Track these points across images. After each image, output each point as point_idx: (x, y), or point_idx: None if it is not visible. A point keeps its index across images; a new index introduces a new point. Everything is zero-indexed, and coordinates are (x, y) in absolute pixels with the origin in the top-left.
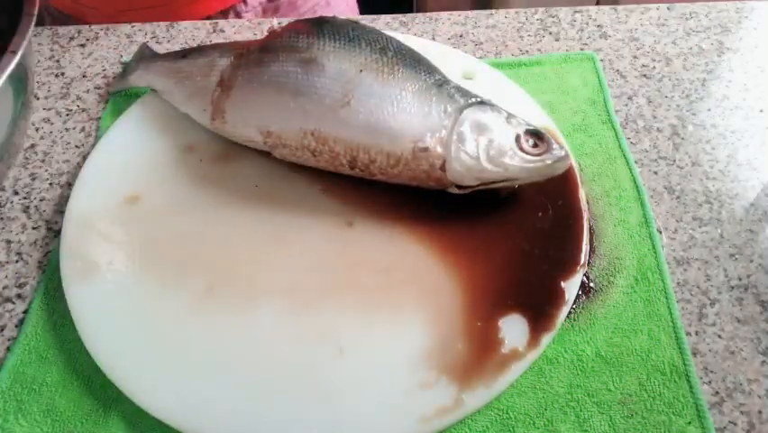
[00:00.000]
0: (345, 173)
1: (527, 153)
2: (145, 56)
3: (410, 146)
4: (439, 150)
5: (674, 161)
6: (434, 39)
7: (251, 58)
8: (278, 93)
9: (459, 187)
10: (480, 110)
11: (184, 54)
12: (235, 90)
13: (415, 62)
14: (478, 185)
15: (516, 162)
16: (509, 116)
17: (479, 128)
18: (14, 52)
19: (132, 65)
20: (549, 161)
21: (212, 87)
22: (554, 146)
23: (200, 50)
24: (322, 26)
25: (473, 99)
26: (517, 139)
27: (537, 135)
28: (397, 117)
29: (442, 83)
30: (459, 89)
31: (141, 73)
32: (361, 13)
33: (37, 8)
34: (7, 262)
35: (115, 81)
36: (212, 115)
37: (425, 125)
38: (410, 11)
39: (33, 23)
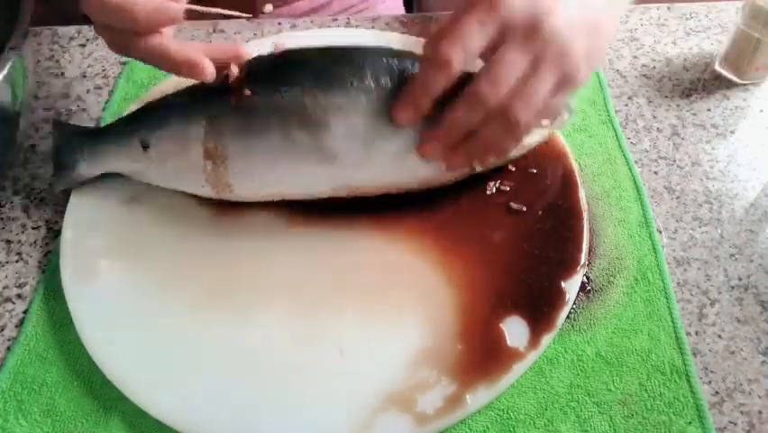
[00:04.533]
0: None
1: None
2: (77, 137)
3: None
4: None
5: (674, 161)
6: None
7: (234, 124)
8: (289, 161)
9: None
10: None
11: (134, 126)
12: (233, 162)
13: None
14: None
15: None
16: None
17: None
18: (13, 49)
19: (66, 154)
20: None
21: (199, 162)
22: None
23: (154, 118)
24: (297, 69)
25: None
26: None
27: None
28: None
29: None
30: None
31: (90, 164)
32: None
33: (34, 4)
34: (7, 262)
35: (57, 180)
36: (215, 190)
37: None
38: (410, 11)
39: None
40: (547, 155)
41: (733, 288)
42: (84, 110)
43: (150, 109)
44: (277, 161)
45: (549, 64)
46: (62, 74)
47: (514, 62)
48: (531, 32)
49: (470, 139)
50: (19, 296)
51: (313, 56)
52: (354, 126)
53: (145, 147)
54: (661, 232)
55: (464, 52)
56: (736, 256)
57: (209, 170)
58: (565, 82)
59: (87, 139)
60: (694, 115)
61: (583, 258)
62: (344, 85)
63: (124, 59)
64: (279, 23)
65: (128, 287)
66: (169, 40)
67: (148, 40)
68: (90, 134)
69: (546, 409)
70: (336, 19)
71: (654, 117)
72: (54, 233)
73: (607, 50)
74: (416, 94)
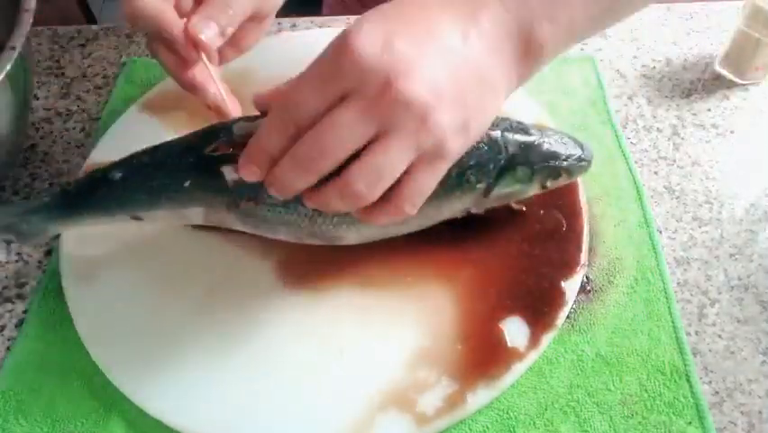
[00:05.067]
0: None
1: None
2: (44, 206)
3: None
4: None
5: (674, 161)
6: None
7: (236, 216)
8: (300, 233)
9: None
10: (503, 185)
11: (123, 204)
12: (240, 228)
13: None
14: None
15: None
16: (533, 172)
17: (507, 198)
18: (14, 48)
19: (30, 215)
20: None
21: (199, 222)
22: (575, 163)
23: (145, 200)
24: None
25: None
26: (543, 186)
27: (557, 173)
28: (441, 213)
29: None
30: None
31: (63, 223)
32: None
33: (34, 4)
34: (7, 263)
35: (23, 239)
36: (224, 236)
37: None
38: None
39: (31, 20)
40: None
41: (733, 288)
42: (84, 110)
43: (139, 178)
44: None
45: (400, 136)
46: (62, 74)
47: (347, 128)
48: (378, 97)
49: (313, 194)
50: (19, 296)
51: None
52: (370, 233)
53: (137, 219)
54: (661, 232)
55: (297, 116)
56: (736, 256)
57: (214, 223)
58: (430, 157)
59: (58, 211)
60: (694, 115)
61: (583, 258)
62: None
63: (124, 58)
64: (279, 23)
65: (128, 287)
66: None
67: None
68: (60, 206)
69: (546, 410)
70: (336, 19)
71: (654, 117)
72: None
73: (607, 50)
74: (256, 155)
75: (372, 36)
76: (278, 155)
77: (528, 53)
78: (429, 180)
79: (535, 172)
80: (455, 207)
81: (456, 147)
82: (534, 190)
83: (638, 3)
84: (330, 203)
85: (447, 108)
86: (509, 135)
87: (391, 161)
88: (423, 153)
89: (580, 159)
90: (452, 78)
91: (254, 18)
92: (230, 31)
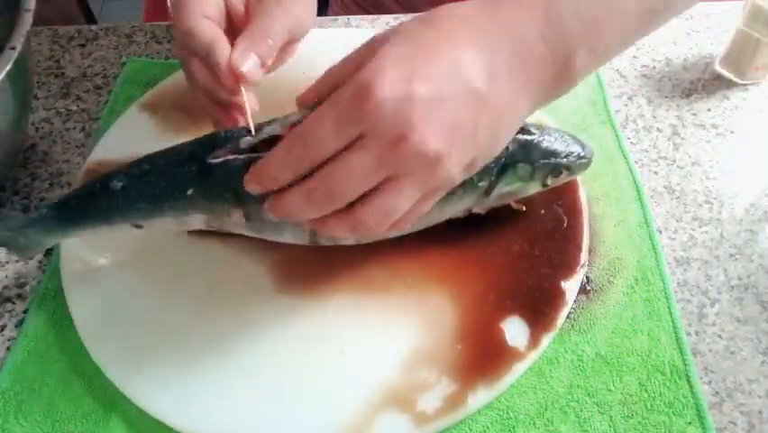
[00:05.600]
0: None
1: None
2: (41, 218)
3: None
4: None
5: (674, 161)
6: None
7: (239, 221)
8: (304, 234)
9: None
10: (505, 183)
11: (124, 213)
12: (242, 232)
13: None
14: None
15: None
16: (534, 169)
17: (509, 196)
18: (14, 48)
19: (28, 228)
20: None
21: (201, 227)
22: (575, 161)
23: (146, 208)
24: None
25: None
26: (544, 184)
27: (558, 170)
28: (443, 213)
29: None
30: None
31: (62, 234)
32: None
33: (34, 4)
34: (7, 262)
35: (21, 251)
36: (223, 238)
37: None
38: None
39: (31, 20)
40: None
41: (733, 288)
42: (84, 110)
43: (139, 187)
44: (289, 240)
45: (411, 180)
46: (62, 74)
47: (361, 173)
48: (394, 145)
49: (317, 222)
50: (19, 296)
51: None
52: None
53: (138, 227)
54: (661, 232)
55: (312, 154)
56: (736, 256)
57: (214, 229)
58: (433, 192)
59: (57, 222)
60: (694, 115)
61: (583, 258)
62: None
63: (124, 58)
64: None
65: (128, 287)
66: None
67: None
68: (59, 217)
69: (546, 410)
70: (336, 19)
71: (654, 117)
72: None
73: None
74: (264, 179)
75: (395, 81)
76: (283, 182)
77: (558, 82)
78: (427, 206)
79: (536, 170)
80: (457, 207)
81: (459, 179)
82: (535, 188)
83: (662, 21)
84: (336, 234)
85: (458, 152)
86: None
87: (402, 201)
88: (426, 191)
89: (580, 156)
90: (469, 123)
91: (287, 42)
92: (270, 61)
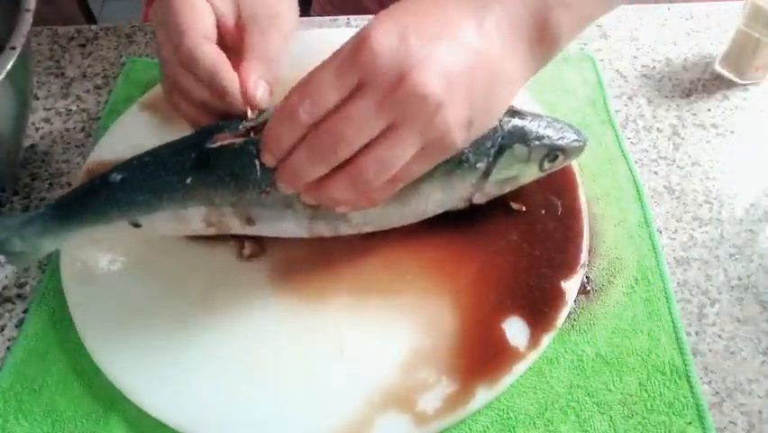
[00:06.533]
0: None
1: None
2: (39, 216)
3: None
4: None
5: (674, 160)
6: None
7: (240, 211)
8: (299, 234)
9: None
10: (502, 165)
11: (122, 209)
12: (240, 230)
13: None
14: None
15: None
16: (530, 150)
17: (507, 183)
18: (14, 48)
19: (24, 228)
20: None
21: (200, 228)
22: (571, 145)
23: (145, 202)
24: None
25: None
26: (541, 167)
27: (554, 153)
28: (444, 197)
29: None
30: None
31: (60, 234)
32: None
33: (34, 4)
34: (7, 262)
35: (17, 259)
36: (222, 239)
37: (463, 194)
38: None
39: (31, 20)
40: None
41: (733, 288)
42: (84, 110)
43: (139, 177)
44: (286, 232)
45: (410, 128)
46: (62, 74)
47: (362, 120)
48: (393, 89)
49: (320, 186)
50: (19, 296)
51: None
52: (373, 214)
53: (136, 226)
54: (661, 232)
55: (313, 107)
56: (736, 256)
57: (212, 230)
58: (432, 150)
59: (54, 221)
60: (694, 115)
61: (583, 258)
62: None
63: (124, 58)
64: None
65: (128, 287)
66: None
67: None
68: (57, 216)
69: (546, 410)
70: (336, 19)
71: (654, 117)
72: None
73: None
74: (270, 143)
75: (389, 31)
76: (289, 144)
77: (543, 42)
78: (422, 168)
79: (532, 150)
80: (457, 190)
81: (458, 142)
82: (532, 174)
83: None
84: (337, 191)
85: (455, 103)
86: (506, 117)
87: (401, 152)
88: (426, 145)
89: (574, 139)
90: (464, 75)
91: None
92: (275, 83)
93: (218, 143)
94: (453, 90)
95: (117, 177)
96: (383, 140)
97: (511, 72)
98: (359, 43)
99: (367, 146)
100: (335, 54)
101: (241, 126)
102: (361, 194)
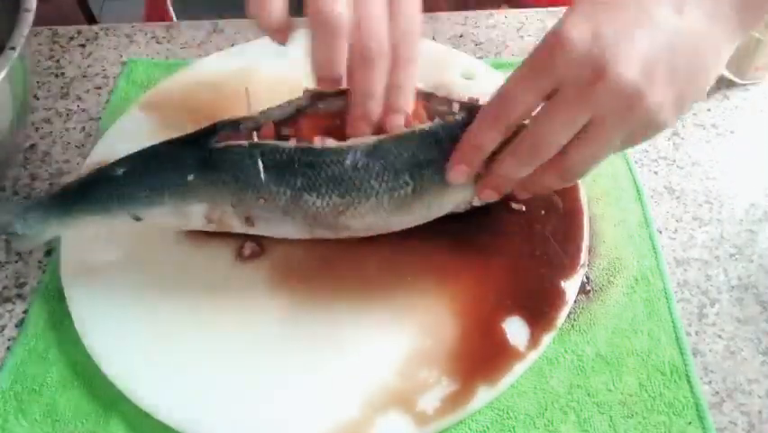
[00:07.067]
0: None
1: None
2: (40, 204)
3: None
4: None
5: (674, 160)
6: (434, 39)
7: (241, 211)
8: (301, 234)
9: None
10: None
11: (122, 201)
12: (241, 229)
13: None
14: None
15: None
16: None
17: None
18: (14, 48)
19: (28, 213)
20: None
21: (201, 223)
22: None
23: (145, 196)
24: (316, 173)
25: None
26: None
27: None
28: (444, 200)
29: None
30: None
31: (61, 221)
32: None
33: (35, 4)
34: (7, 262)
35: (20, 241)
36: (222, 238)
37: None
38: None
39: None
40: None
41: (733, 288)
42: (84, 110)
43: (141, 172)
44: (287, 234)
45: (614, 120)
46: (62, 74)
47: (563, 123)
48: (591, 85)
49: (525, 182)
50: (19, 296)
51: (333, 159)
52: (375, 222)
53: (137, 219)
54: (661, 233)
55: (514, 113)
56: (736, 256)
57: (213, 226)
58: (640, 132)
59: (56, 208)
60: (694, 115)
61: (583, 258)
62: (369, 196)
63: (124, 58)
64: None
65: (128, 287)
66: None
67: None
68: (59, 204)
69: (546, 410)
70: None
71: None
72: None
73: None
74: (469, 153)
75: (582, 27)
76: (489, 150)
77: (748, 7)
78: (629, 146)
79: None
80: (458, 196)
81: (669, 121)
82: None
83: None
84: (546, 184)
85: (660, 87)
86: None
87: (607, 143)
88: (633, 130)
89: None
90: (663, 56)
91: None
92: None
93: (223, 144)
94: (654, 74)
95: (119, 170)
96: (589, 135)
97: (716, 45)
98: (553, 41)
99: (573, 141)
100: (530, 56)
101: (242, 126)
102: (565, 184)
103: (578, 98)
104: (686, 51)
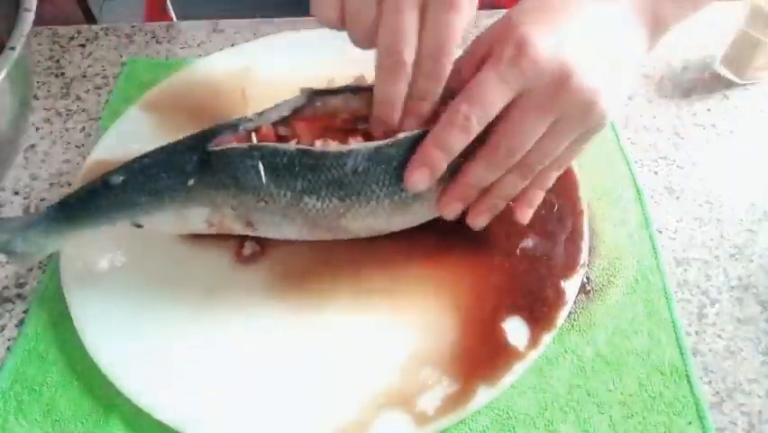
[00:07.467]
0: None
1: None
2: (42, 218)
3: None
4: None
5: (674, 160)
6: None
7: (241, 213)
8: (301, 236)
9: None
10: None
11: (122, 210)
12: (241, 231)
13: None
14: None
15: None
16: None
17: None
18: (14, 48)
19: (27, 230)
20: None
21: (201, 228)
22: None
23: (145, 203)
24: (317, 175)
25: None
26: None
27: None
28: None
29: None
30: None
31: (62, 235)
32: None
33: (35, 4)
34: (7, 262)
35: (19, 259)
36: (222, 238)
37: None
38: None
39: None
40: None
41: (733, 288)
42: (84, 110)
43: (141, 179)
44: (288, 234)
45: (571, 122)
46: (62, 74)
47: (533, 126)
48: (555, 93)
49: (488, 192)
50: (19, 296)
51: (333, 161)
52: (375, 224)
53: (138, 226)
54: (661, 232)
55: (483, 113)
56: (736, 256)
57: (214, 229)
58: (588, 133)
59: (57, 222)
60: (694, 115)
61: (583, 258)
62: (370, 199)
63: (124, 58)
64: (279, 23)
65: (128, 287)
66: None
67: None
68: (59, 217)
69: (546, 410)
70: None
71: (654, 117)
72: None
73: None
74: (433, 155)
75: (545, 37)
76: (457, 152)
77: (655, 28)
78: (580, 149)
79: None
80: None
81: (609, 120)
82: None
83: None
84: (509, 186)
85: (606, 93)
86: None
87: (564, 142)
88: (583, 131)
89: None
90: (607, 65)
91: None
92: None
93: (220, 147)
94: (606, 81)
95: (118, 179)
96: (548, 137)
97: (634, 59)
98: (520, 49)
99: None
100: (496, 60)
101: (241, 128)
102: (524, 183)
103: (544, 105)
104: (621, 65)
